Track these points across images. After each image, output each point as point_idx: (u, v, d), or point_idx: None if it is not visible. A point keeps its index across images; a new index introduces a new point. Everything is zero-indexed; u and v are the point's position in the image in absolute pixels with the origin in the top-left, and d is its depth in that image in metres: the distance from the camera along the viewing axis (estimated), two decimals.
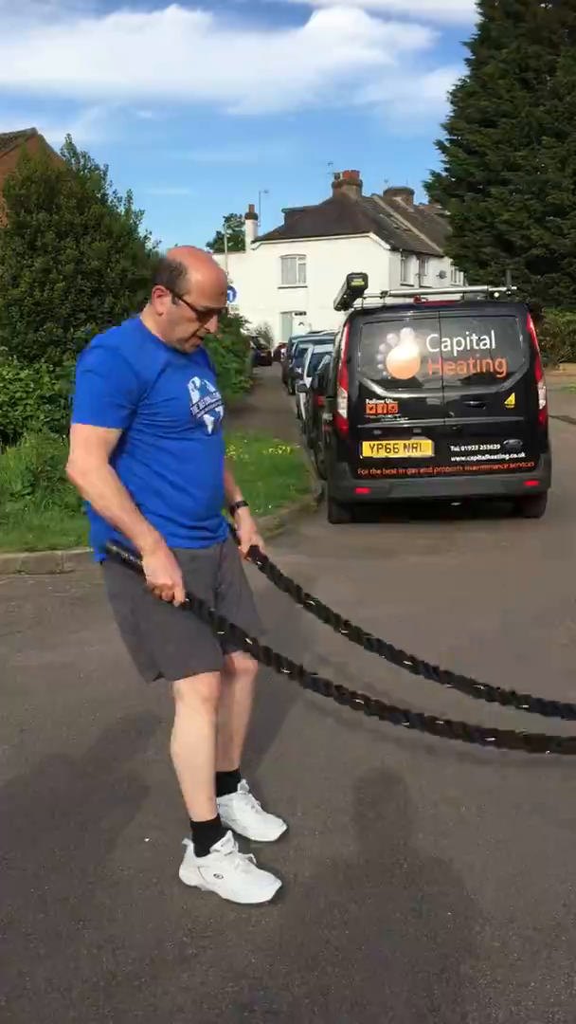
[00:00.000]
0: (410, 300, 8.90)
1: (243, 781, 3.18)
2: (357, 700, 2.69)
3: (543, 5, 30.48)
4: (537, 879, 2.81)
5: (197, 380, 2.76)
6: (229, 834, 2.86)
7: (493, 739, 3.02)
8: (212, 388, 2.84)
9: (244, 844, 2.97)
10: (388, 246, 48.08)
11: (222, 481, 2.91)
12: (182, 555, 2.68)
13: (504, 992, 2.33)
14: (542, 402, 8.07)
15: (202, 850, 2.82)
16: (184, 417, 2.69)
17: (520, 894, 2.74)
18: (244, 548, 3.07)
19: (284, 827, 3.14)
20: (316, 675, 2.96)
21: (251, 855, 2.88)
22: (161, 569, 2.58)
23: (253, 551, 3.08)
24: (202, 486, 2.75)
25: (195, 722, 2.76)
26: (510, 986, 2.36)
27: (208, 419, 2.77)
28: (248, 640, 2.83)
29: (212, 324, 2.69)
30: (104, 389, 2.57)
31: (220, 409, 2.86)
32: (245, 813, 3.11)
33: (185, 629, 2.70)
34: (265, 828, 3.12)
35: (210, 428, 2.79)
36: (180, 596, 2.61)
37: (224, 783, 3.04)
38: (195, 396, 2.73)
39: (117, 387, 2.57)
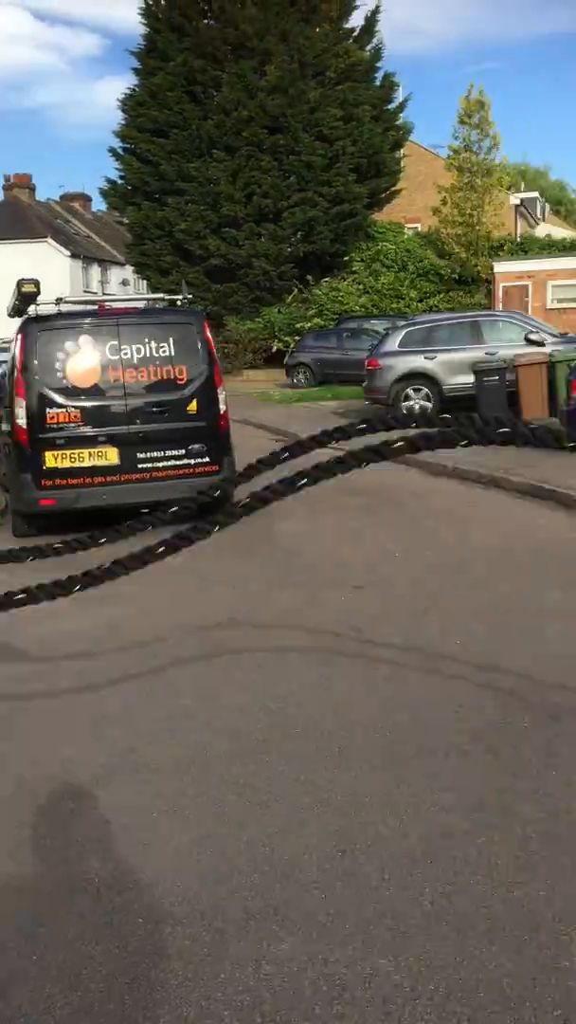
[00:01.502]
0: (88, 307, 8.80)
1: None
2: None
3: (206, 21, 31.37)
4: (226, 875, 2.88)
5: None
6: None
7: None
8: None
9: None
10: (68, 252, 47.25)
11: None
12: None
13: (195, 989, 2.37)
14: (222, 407, 8.30)
15: None
16: None
17: (210, 891, 2.79)
18: None
19: None
20: None
21: None
22: None
23: None
24: None
25: None
26: (201, 982, 2.39)
27: None
28: None
29: None
30: None
31: None
32: None
33: None
34: None
35: None
36: None
37: None
38: None
39: None
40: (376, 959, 2.45)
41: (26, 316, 8.17)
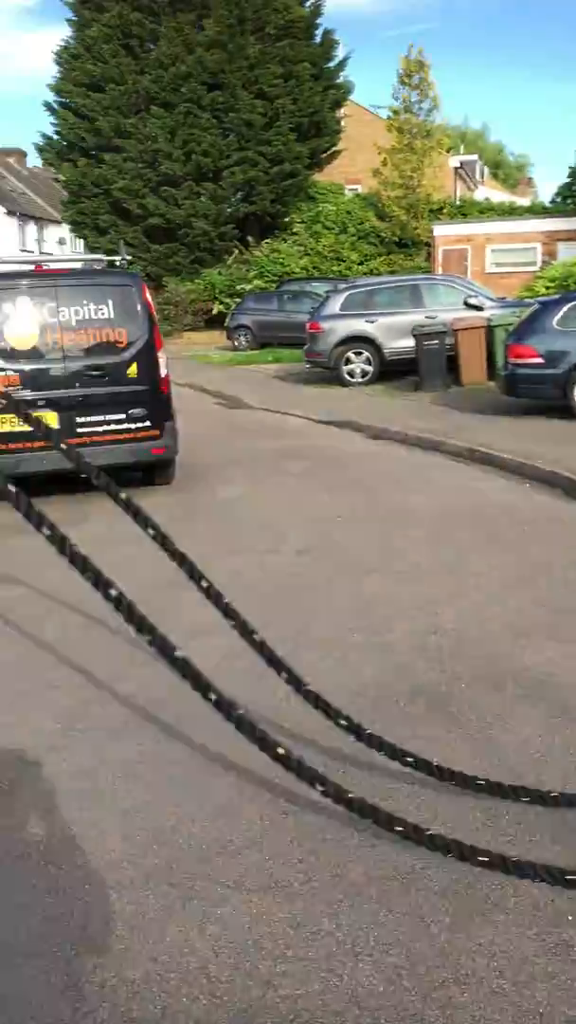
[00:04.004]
0: (27, 267, 8.63)
1: None
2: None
3: None
4: (171, 838, 2.91)
5: None
6: None
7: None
8: None
9: None
10: (3, 210, 46.06)
11: None
12: None
13: (141, 952, 2.40)
14: (163, 371, 8.23)
15: None
16: None
17: (154, 855, 2.82)
18: None
19: None
20: None
21: None
22: None
23: None
24: None
25: None
26: (147, 944, 2.42)
27: None
28: None
29: None
30: None
31: None
32: None
33: None
34: None
35: None
36: None
37: None
38: None
39: None
40: (320, 918, 2.50)
41: None
